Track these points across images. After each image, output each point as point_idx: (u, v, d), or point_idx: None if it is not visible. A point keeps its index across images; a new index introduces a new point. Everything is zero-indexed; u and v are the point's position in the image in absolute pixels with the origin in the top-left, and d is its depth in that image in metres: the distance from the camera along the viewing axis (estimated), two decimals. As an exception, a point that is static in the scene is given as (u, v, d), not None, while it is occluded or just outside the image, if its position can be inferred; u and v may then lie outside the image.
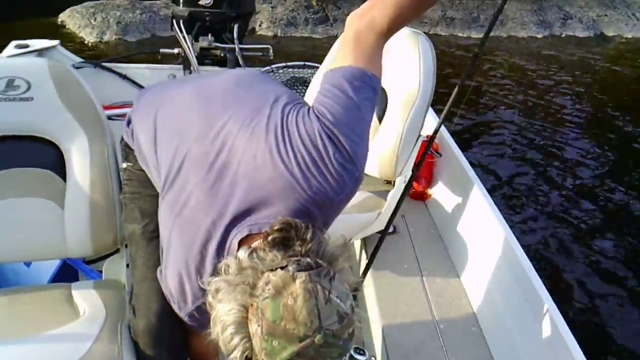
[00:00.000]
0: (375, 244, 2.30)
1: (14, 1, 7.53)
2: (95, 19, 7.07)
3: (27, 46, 2.80)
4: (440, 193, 2.63)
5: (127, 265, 1.83)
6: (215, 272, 1.09)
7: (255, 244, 1.09)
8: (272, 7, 7.86)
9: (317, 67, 2.54)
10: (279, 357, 0.96)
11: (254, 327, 0.98)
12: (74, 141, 1.71)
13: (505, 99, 6.22)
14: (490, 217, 2.17)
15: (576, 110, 6.12)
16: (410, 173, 2.37)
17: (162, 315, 1.43)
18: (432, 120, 2.84)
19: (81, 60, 3.10)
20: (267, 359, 0.97)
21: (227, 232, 1.18)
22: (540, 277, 1.83)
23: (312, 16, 7.64)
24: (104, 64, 3.08)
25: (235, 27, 2.84)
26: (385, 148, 2.27)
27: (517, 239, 2.02)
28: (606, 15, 8.57)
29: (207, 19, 2.80)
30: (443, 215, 2.52)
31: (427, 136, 2.73)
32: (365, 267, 2.27)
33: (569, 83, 6.93)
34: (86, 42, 6.81)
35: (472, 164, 2.54)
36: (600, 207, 4.52)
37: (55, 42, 3.02)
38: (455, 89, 2.04)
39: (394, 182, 2.35)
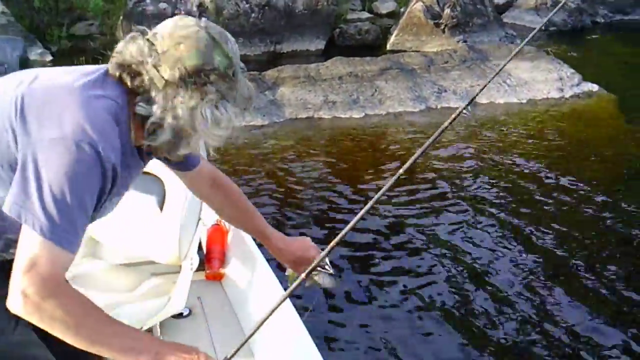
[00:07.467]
0: (172, 328, 2.39)
1: None
2: None
3: None
4: (233, 272, 2.79)
5: None
6: None
7: None
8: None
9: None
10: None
11: None
12: None
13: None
14: (276, 291, 2.36)
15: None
16: (196, 256, 2.52)
17: None
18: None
19: None
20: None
21: None
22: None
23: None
24: None
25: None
26: (167, 234, 2.41)
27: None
28: (478, 85, 9.32)
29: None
30: (236, 293, 2.68)
31: (216, 220, 2.95)
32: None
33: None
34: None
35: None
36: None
37: None
38: (414, 157, 1.73)
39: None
